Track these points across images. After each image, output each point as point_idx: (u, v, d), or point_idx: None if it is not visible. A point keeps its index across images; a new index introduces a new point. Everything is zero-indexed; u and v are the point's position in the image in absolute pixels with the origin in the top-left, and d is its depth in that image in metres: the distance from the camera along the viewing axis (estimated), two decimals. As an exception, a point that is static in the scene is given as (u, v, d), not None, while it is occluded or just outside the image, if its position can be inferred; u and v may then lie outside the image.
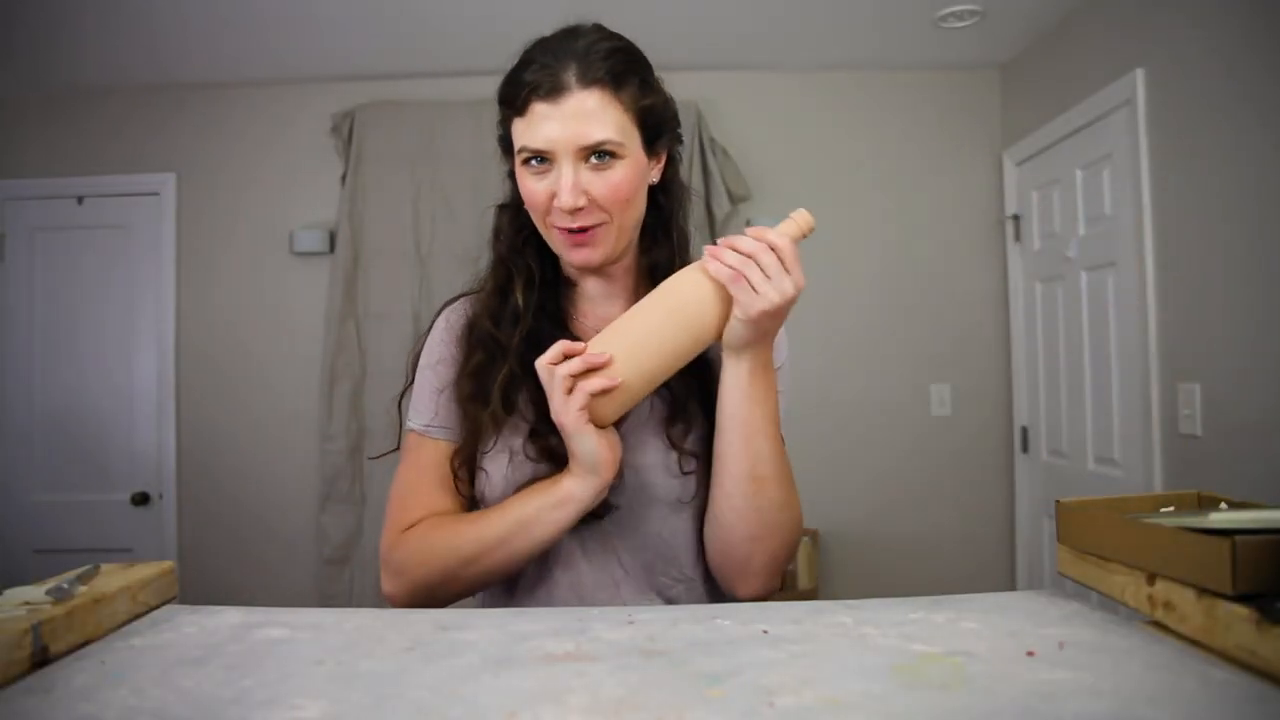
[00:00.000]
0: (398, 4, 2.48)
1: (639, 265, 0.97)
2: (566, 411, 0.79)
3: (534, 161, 0.86)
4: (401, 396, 0.99)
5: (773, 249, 0.78)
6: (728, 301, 0.80)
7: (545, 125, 0.84)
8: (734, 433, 0.85)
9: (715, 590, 0.96)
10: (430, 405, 0.94)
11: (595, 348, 0.80)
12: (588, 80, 0.84)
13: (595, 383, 0.78)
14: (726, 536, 0.89)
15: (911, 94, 3.04)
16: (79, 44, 2.66)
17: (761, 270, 0.78)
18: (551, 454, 0.88)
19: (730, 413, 0.85)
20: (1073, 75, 2.55)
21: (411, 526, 0.91)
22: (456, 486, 0.92)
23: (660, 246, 0.96)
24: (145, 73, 2.91)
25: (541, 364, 0.81)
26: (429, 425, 0.94)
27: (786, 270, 0.79)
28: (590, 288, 0.97)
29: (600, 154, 0.85)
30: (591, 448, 0.80)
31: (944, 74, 3.03)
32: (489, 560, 0.86)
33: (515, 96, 0.86)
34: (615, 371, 0.79)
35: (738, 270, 0.78)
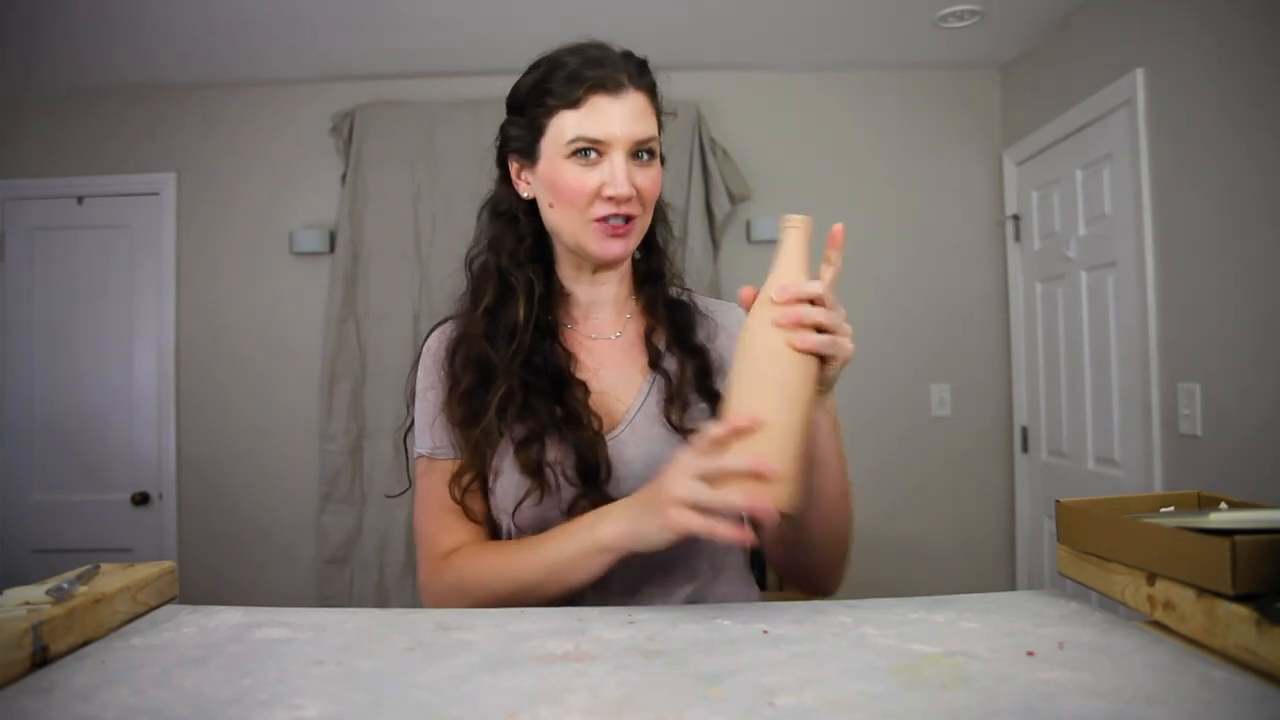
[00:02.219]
0: (398, 4, 2.48)
1: (633, 272, 1.01)
2: (682, 501, 0.70)
3: (584, 154, 0.88)
4: (406, 433, 1.00)
5: (824, 302, 0.72)
6: (814, 362, 0.73)
7: (605, 117, 0.88)
8: (830, 465, 0.85)
9: (734, 579, 0.97)
10: (429, 431, 0.95)
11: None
12: (639, 83, 0.90)
13: (727, 529, 0.70)
14: (822, 555, 0.91)
15: (912, 94, 3.04)
16: (79, 44, 2.65)
17: (837, 329, 0.72)
18: (536, 469, 0.88)
19: (827, 448, 0.84)
20: (1073, 75, 2.55)
21: (448, 555, 0.91)
22: (465, 511, 0.92)
23: (651, 258, 1.01)
24: (145, 73, 2.91)
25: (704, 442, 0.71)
26: (435, 449, 0.95)
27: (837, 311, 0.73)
28: (584, 294, 0.99)
29: (642, 152, 0.90)
30: (661, 541, 0.75)
31: (944, 74, 3.03)
32: (525, 599, 0.84)
33: (573, 90, 0.88)
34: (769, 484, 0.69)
35: (827, 342, 0.71)
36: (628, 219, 0.90)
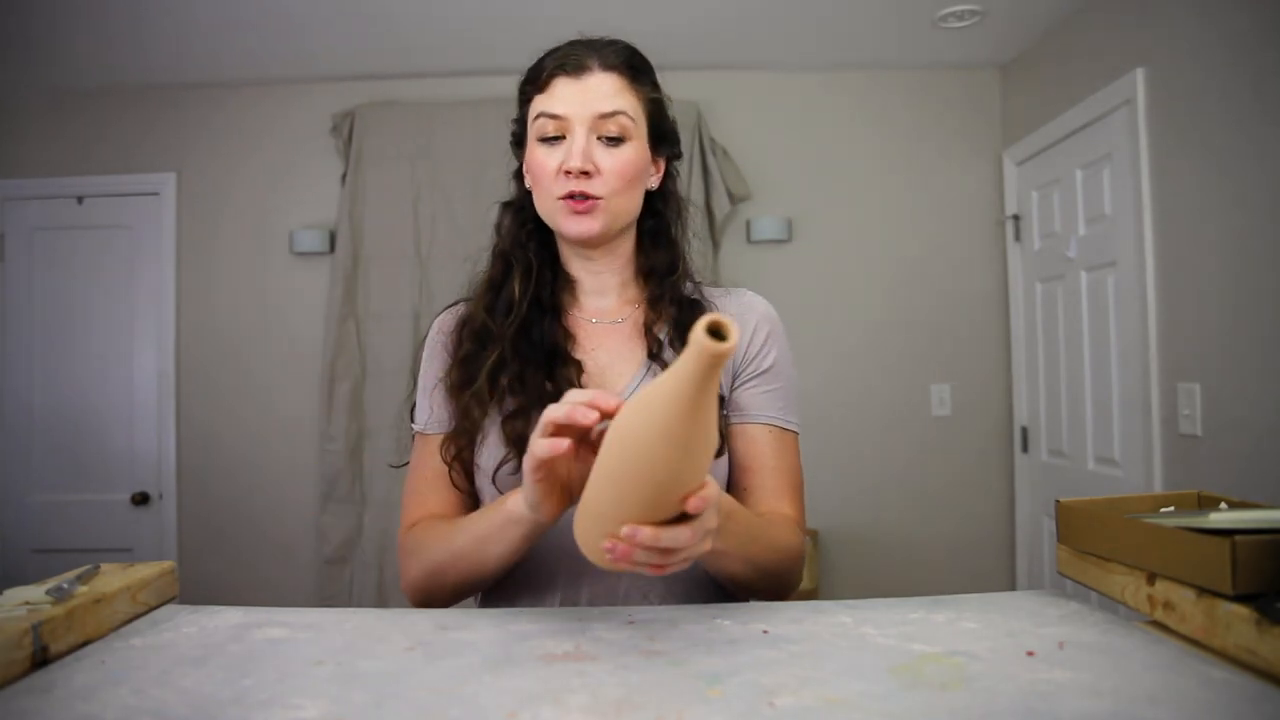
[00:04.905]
0: (397, 4, 2.48)
1: (636, 266, 1.01)
2: (532, 452, 0.69)
3: (550, 131, 0.92)
4: (411, 409, 1.03)
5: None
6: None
7: (565, 94, 0.91)
8: (726, 557, 0.82)
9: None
10: (425, 404, 0.99)
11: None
12: (608, 65, 0.93)
13: (544, 444, 0.67)
14: (763, 591, 0.91)
15: (911, 94, 3.04)
16: (79, 44, 2.65)
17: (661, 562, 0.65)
18: (518, 441, 0.90)
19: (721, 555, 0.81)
20: (1073, 75, 2.55)
21: (414, 525, 0.95)
22: (451, 478, 0.95)
23: (659, 252, 1.01)
24: (145, 73, 2.91)
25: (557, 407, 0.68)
26: (426, 423, 0.98)
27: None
28: (586, 282, 1.01)
29: (612, 138, 0.91)
30: (531, 494, 0.72)
31: (944, 74, 3.03)
32: (462, 567, 0.86)
33: (539, 75, 0.93)
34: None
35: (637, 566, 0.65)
36: (588, 197, 0.91)
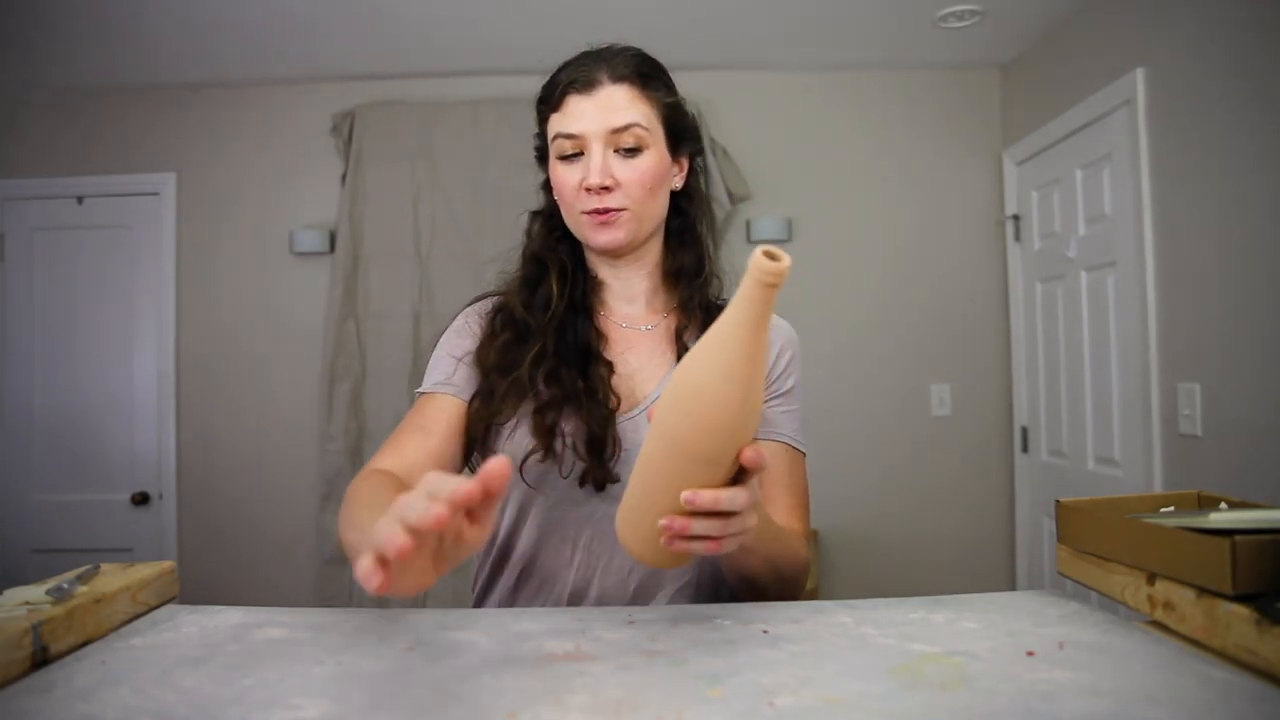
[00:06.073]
0: (397, 4, 2.48)
1: (664, 268, 1.03)
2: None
3: (568, 150, 0.93)
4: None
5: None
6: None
7: (578, 113, 0.93)
8: (751, 558, 0.83)
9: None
10: (448, 369, 0.98)
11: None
12: (617, 77, 0.94)
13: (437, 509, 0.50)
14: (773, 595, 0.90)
15: (911, 94, 3.04)
16: (79, 44, 2.65)
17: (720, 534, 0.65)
18: (547, 434, 0.91)
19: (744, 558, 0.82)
20: (1073, 75, 2.55)
21: (374, 472, 0.89)
22: (465, 450, 0.95)
23: (687, 251, 1.02)
24: (145, 73, 2.91)
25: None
26: (438, 384, 0.97)
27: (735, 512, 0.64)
28: (616, 286, 1.02)
29: (629, 149, 0.93)
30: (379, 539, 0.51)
31: (944, 74, 3.03)
32: (350, 539, 0.79)
33: (551, 94, 0.96)
34: None
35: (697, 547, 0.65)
36: (609, 210, 0.93)
